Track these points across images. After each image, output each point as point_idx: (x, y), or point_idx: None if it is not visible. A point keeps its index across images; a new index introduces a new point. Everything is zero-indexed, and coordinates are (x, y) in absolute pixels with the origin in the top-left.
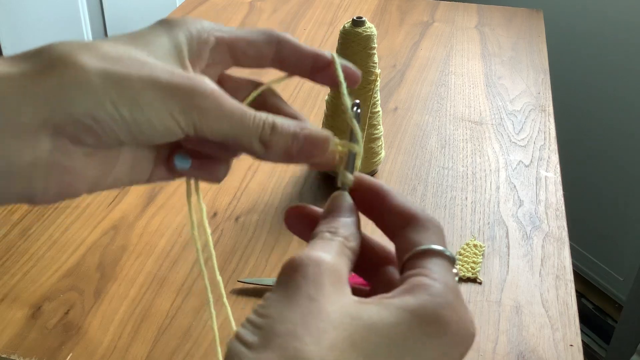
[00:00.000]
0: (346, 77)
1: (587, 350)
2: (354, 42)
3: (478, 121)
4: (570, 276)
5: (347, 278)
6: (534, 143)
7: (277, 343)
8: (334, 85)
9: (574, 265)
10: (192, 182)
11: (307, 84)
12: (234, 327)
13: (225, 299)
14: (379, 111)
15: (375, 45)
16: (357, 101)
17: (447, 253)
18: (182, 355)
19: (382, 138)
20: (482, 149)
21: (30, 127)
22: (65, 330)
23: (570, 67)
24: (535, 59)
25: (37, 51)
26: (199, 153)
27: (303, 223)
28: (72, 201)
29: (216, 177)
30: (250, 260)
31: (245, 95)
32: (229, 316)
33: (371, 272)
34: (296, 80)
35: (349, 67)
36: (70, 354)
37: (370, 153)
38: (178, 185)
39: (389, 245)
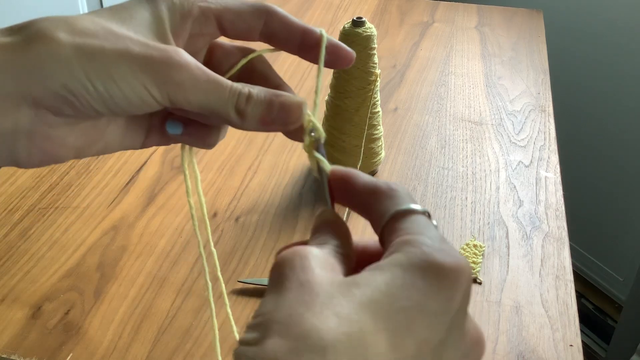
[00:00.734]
0: (339, 57)
1: (587, 350)
2: (354, 42)
3: (478, 121)
4: (570, 276)
5: (340, 272)
6: (534, 143)
7: (277, 329)
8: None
9: (574, 265)
10: (187, 148)
11: (308, 84)
12: (234, 326)
13: (225, 297)
14: (379, 111)
15: (375, 45)
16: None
17: (419, 208)
18: (182, 355)
19: (382, 138)
20: (482, 149)
21: (11, 97)
22: (66, 330)
23: (570, 68)
24: (535, 59)
25: (22, 26)
26: (190, 120)
27: None
28: (72, 201)
29: (208, 143)
30: (250, 260)
31: (234, 62)
32: (228, 315)
33: None
34: (296, 80)
35: (341, 47)
36: (71, 354)
37: (370, 153)
38: (178, 186)
39: None
